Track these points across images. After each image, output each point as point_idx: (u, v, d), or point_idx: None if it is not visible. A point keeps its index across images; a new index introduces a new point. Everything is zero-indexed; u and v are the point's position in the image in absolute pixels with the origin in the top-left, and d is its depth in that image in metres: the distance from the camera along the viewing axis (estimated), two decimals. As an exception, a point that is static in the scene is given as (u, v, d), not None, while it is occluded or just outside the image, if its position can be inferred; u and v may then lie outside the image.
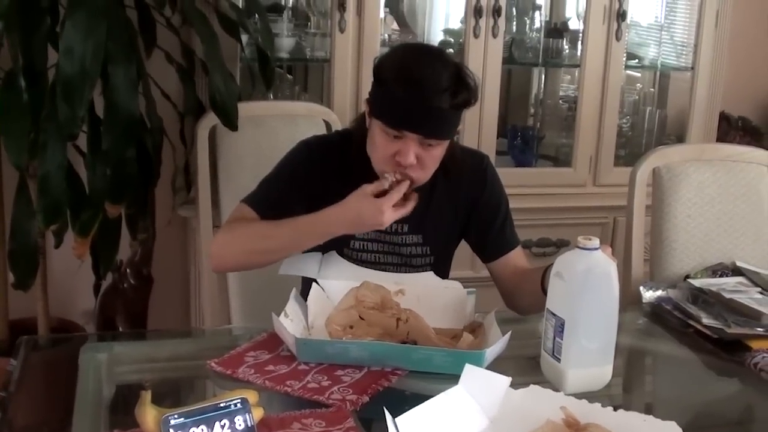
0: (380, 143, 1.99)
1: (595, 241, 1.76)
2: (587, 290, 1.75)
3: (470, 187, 2.18)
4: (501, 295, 2.21)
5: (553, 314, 1.78)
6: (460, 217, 2.19)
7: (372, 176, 2.03)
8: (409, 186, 1.97)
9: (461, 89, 1.96)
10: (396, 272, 2.14)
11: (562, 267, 1.80)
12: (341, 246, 2.12)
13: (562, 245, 3.45)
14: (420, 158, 1.97)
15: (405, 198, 1.96)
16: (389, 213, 1.91)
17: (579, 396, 1.61)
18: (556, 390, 1.67)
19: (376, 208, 1.91)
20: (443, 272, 2.20)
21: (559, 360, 1.77)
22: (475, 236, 2.22)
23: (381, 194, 1.93)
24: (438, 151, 2.00)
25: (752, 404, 1.97)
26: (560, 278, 1.78)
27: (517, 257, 2.22)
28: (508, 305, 2.20)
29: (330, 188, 2.04)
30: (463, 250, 2.31)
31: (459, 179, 2.17)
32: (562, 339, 1.75)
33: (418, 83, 1.92)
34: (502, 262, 2.20)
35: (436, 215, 2.16)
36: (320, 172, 2.10)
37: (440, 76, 1.93)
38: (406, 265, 2.17)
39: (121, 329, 3.24)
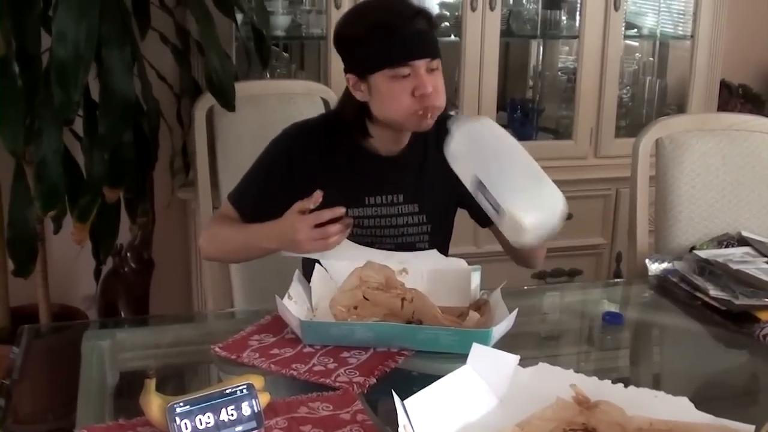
0: (396, 91, 2.00)
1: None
2: (471, 140, 1.85)
3: None
4: (509, 255, 2.21)
5: (474, 186, 1.83)
6: (455, 186, 2.18)
7: (356, 150, 2.10)
8: (348, 224, 1.96)
9: (423, 11, 2.04)
10: (393, 242, 2.13)
11: (449, 155, 1.90)
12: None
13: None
14: (434, 86, 2.00)
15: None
16: (305, 231, 1.91)
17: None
18: (517, 241, 1.79)
19: (291, 224, 1.93)
20: (441, 245, 2.19)
21: (501, 210, 1.77)
22: (470, 200, 2.21)
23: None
24: (440, 75, 2.04)
25: (761, 375, 1.96)
26: (455, 160, 1.88)
27: None
28: (518, 262, 2.21)
29: (316, 170, 2.08)
30: (465, 226, 2.29)
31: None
32: (490, 191, 1.78)
33: (395, 19, 1.99)
34: None
35: (431, 184, 2.16)
36: (302, 159, 2.11)
37: (404, 7, 2.02)
38: (402, 235, 2.15)
39: (122, 314, 3.22)
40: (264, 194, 2.12)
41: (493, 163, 1.83)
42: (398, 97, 1.99)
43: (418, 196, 2.14)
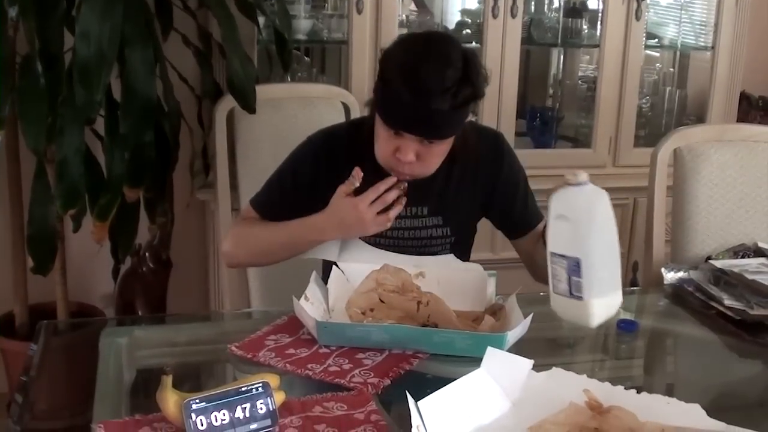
0: (382, 138, 1.98)
1: (584, 175, 1.76)
2: (595, 225, 1.75)
3: (488, 167, 2.16)
4: (529, 270, 2.21)
5: (563, 256, 1.75)
6: (480, 198, 2.17)
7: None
8: (404, 189, 1.97)
9: (464, 87, 1.90)
10: (416, 254, 2.12)
11: (563, 209, 1.77)
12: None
13: (582, 226, 3.43)
14: (420, 155, 1.95)
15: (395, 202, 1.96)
16: (369, 214, 1.92)
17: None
18: (580, 324, 1.76)
19: (352, 208, 1.93)
20: (464, 253, 2.20)
21: (581, 298, 1.74)
22: (499, 214, 2.21)
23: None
24: (441, 148, 1.98)
25: (775, 386, 1.96)
26: (564, 220, 1.76)
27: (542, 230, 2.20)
28: (537, 279, 2.18)
29: (342, 177, 2.02)
30: (482, 233, 2.29)
31: (476, 160, 2.14)
32: (580, 277, 1.73)
33: (419, 86, 1.87)
34: (529, 236, 2.19)
35: (455, 196, 2.14)
36: (327, 167, 2.10)
37: (443, 77, 1.87)
38: (426, 246, 2.15)
39: (140, 313, 3.24)
40: (288, 200, 2.11)
41: (595, 250, 1.75)
42: (383, 146, 1.98)
43: (442, 209, 2.14)
